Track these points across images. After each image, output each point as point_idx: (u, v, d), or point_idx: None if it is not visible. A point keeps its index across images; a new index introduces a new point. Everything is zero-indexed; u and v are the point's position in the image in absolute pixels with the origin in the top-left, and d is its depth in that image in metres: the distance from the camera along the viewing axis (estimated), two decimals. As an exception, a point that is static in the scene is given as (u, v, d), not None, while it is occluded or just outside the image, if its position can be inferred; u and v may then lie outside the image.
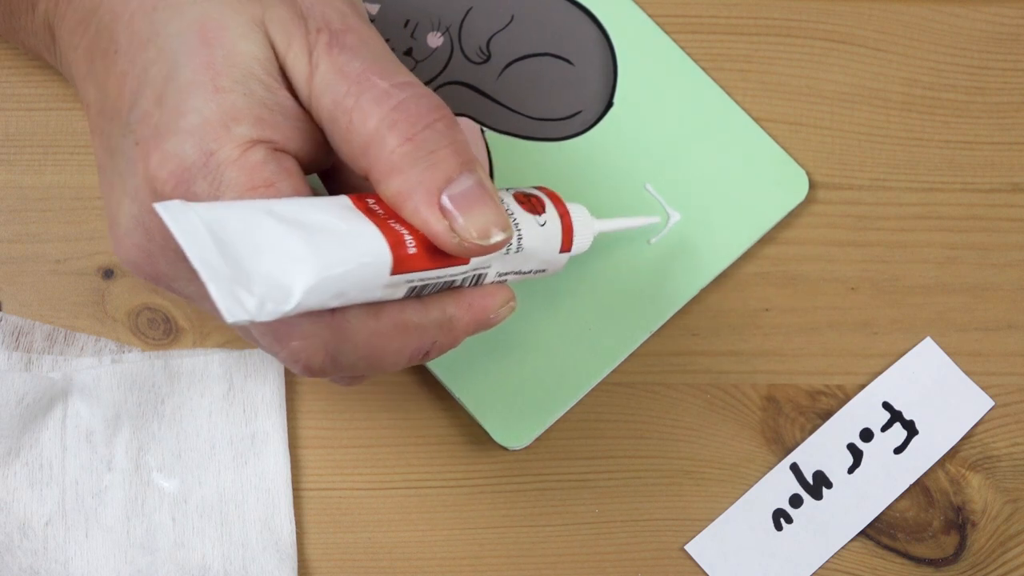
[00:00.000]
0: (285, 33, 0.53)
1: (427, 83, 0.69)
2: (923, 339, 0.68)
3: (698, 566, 0.66)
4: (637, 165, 0.69)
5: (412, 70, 0.68)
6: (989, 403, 0.67)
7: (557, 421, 0.66)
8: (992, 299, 0.69)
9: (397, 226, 0.51)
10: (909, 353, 0.68)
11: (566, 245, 0.59)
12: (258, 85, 0.52)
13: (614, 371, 0.67)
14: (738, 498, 0.66)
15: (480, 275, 0.55)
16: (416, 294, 0.53)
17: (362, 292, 0.50)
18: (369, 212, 0.51)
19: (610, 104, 0.69)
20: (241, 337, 0.57)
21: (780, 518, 0.66)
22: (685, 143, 0.69)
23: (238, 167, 0.50)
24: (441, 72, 0.69)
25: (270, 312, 0.47)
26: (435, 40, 0.69)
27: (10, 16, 0.61)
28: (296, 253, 0.48)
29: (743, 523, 0.66)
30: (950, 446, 0.67)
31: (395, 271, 0.50)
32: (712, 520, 0.66)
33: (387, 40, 0.68)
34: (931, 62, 0.71)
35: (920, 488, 0.67)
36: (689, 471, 0.67)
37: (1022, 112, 0.71)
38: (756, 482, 0.66)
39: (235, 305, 0.46)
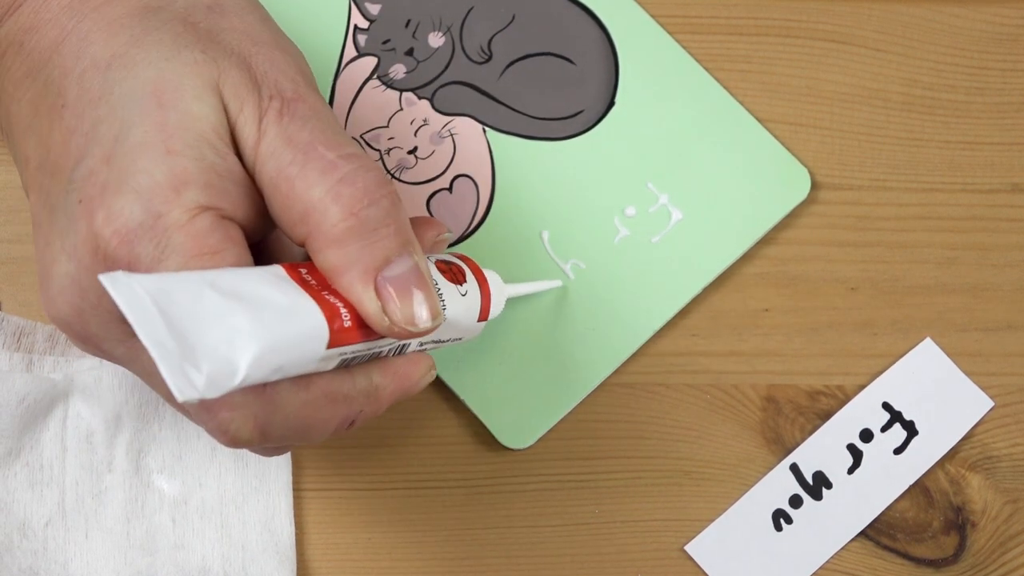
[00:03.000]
0: (238, 98, 0.52)
1: (428, 83, 0.68)
2: (923, 339, 0.67)
3: (698, 566, 0.65)
4: (639, 164, 0.68)
5: (413, 70, 0.68)
6: (989, 403, 0.67)
7: (557, 422, 0.66)
8: (992, 299, 0.68)
9: (332, 299, 0.50)
10: (909, 353, 0.67)
11: (484, 314, 0.59)
12: (209, 150, 0.51)
13: (614, 371, 0.66)
14: (738, 498, 0.66)
15: (404, 345, 0.54)
16: (345, 365, 0.52)
17: (299, 366, 0.49)
18: (304, 283, 0.50)
19: (612, 103, 0.69)
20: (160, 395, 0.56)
21: (780, 518, 0.65)
22: (687, 141, 0.68)
23: (185, 232, 0.49)
24: (443, 72, 0.69)
25: (218, 388, 0.46)
26: (436, 40, 0.69)
27: None
28: (240, 328, 0.47)
29: (743, 523, 0.65)
30: (950, 446, 0.66)
31: (331, 345, 0.49)
32: (712, 520, 0.65)
33: (388, 40, 0.68)
34: (931, 62, 0.70)
35: (920, 488, 0.66)
36: (689, 471, 0.66)
37: (1022, 112, 0.70)
38: (756, 482, 0.66)
39: (185, 383, 0.45)
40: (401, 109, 0.68)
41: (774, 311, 0.68)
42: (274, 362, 0.47)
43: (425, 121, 0.68)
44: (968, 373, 0.67)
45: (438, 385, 0.66)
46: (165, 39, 0.52)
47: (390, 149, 0.68)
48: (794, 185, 0.68)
